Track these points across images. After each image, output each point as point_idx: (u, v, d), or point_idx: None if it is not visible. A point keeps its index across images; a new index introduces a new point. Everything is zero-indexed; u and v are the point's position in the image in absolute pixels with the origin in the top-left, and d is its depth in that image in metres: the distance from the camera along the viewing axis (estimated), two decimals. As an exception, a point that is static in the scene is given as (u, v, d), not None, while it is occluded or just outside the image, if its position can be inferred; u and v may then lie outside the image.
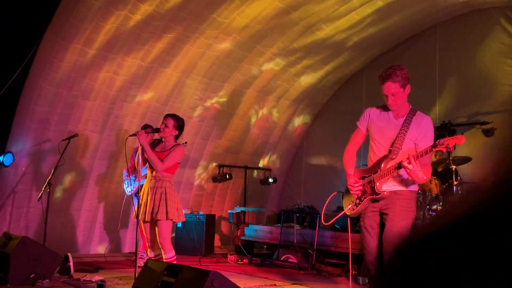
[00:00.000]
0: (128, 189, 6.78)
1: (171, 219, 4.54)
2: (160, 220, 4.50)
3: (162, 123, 4.75)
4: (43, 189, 5.69)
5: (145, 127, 6.51)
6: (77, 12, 5.97)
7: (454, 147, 3.05)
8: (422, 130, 3.35)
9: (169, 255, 4.56)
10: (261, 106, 9.38)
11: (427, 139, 3.35)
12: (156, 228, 4.57)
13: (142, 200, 4.61)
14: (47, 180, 5.71)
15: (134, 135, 4.59)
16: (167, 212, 4.50)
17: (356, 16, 7.78)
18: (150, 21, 6.57)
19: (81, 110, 6.97)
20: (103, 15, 6.17)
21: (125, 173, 6.79)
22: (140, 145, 4.53)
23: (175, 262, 4.46)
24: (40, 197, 5.69)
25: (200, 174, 9.15)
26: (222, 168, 9.36)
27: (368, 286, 3.55)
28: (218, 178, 9.19)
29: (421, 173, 3.16)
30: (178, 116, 4.84)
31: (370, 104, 3.66)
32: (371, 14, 7.80)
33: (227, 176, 9.17)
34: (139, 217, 4.57)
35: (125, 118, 7.55)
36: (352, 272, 5.06)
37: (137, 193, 6.69)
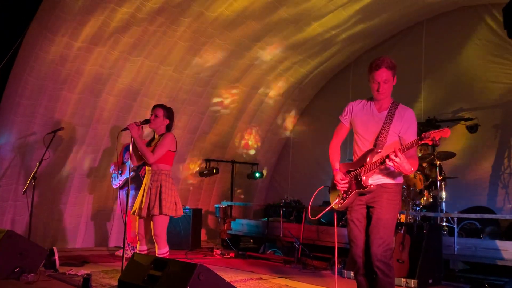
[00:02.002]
0: (115, 182, 6.78)
1: (166, 214, 4.46)
2: (155, 215, 4.43)
3: (151, 114, 4.71)
4: (28, 182, 5.64)
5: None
6: (63, 4, 5.91)
7: (440, 140, 3.09)
8: (405, 123, 3.40)
9: (162, 250, 4.50)
10: (248, 100, 9.38)
11: (411, 131, 3.39)
12: (151, 223, 4.51)
13: (139, 195, 4.61)
14: (32, 173, 5.66)
15: (126, 129, 4.55)
16: (161, 207, 4.43)
17: (344, 12, 7.81)
18: (137, 14, 6.52)
19: (67, 103, 6.91)
20: (89, 8, 6.11)
21: (112, 167, 6.77)
22: (132, 137, 4.49)
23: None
24: (25, 190, 5.64)
25: (187, 169, 9.15)
26: (209, 163, 9.37)
27: (354, 279, 3.58)
28: (205, 172, 9.20)
29: (408, 165, 3.21)
30: (166, 105, 4.82)
31: (357, 99, 3.68)
32: (359, 11, 7.83)
33: (214, 171, 9.19)
34: (136, 212, 4.55)
35: (112, 111, 7.50)
36: (337, 266, 5.11)
37: (122, 187, 6.68)
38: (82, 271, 5.23)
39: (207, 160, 9.36)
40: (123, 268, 4.08)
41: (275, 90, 9.54)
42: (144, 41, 7.01)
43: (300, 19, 7.78)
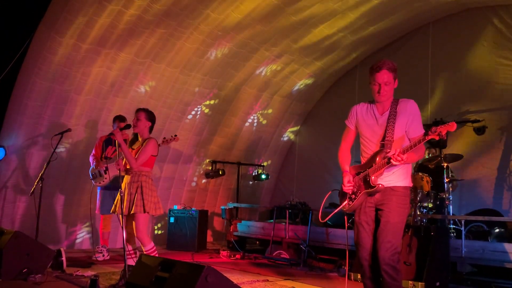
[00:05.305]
0: (98, 180, 6.41)
1: (148, 212, 4.63)
2: (136, 213, 4.61)
3: (134, 118, 4.91)
4: (35, 184, 5.66)
5: (119, 118, 6.43)
6: (70, 6, 5.94)
7: (447, 135, 3.10)
8: (409, 115, 3.41)
9: (148, 247, 4.67)
10: (254, 102, 9.38)
11: (416, 123, 3.41)
12: (133, 222, 4.68)
13: (118, 195, 4.69)
14: (40, 175, 5.68)
15: (111, 134, 4.67)
16: (144, 205, 4.61)
17: (351, 14, 7.79)
18: (144, 16, 6.54)
19: (74, 105, 6.93)
20: (96, 10, 6.14)
21: (94, 163, 6.42)
22: (117, 142, 4.60)
23: (155, 254, 4.62)
24: (32, 192, 5.66)
25: (193, 170, 9.15)
26: (215, 164, 9.37)
27: (361, 281, 3.58)
28: (211, 174, 9.21)
29: (413, 160, 3.34)
30: (147, 109, 5.01)
31: (363, 102, 3.70)
32: (366, 13, 7.81)
33: (220, 172, 9.19)
34: (119, 212, 4.65)
35: (118, 113, 7.49)
36: (347, 268, 5.10)
37: (108, 187, 6.44)
38: (89, 272, 5.25)
39: (213, 162, 9.36)
40: (125, 268, 4.20)
41: (281, 92, 9.53)
42: (151, 43, 7.03)
43: (307, 21, 7.78)
